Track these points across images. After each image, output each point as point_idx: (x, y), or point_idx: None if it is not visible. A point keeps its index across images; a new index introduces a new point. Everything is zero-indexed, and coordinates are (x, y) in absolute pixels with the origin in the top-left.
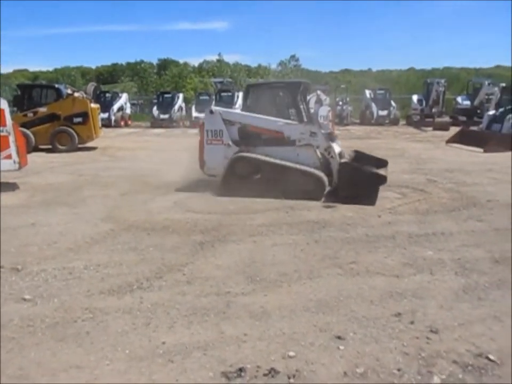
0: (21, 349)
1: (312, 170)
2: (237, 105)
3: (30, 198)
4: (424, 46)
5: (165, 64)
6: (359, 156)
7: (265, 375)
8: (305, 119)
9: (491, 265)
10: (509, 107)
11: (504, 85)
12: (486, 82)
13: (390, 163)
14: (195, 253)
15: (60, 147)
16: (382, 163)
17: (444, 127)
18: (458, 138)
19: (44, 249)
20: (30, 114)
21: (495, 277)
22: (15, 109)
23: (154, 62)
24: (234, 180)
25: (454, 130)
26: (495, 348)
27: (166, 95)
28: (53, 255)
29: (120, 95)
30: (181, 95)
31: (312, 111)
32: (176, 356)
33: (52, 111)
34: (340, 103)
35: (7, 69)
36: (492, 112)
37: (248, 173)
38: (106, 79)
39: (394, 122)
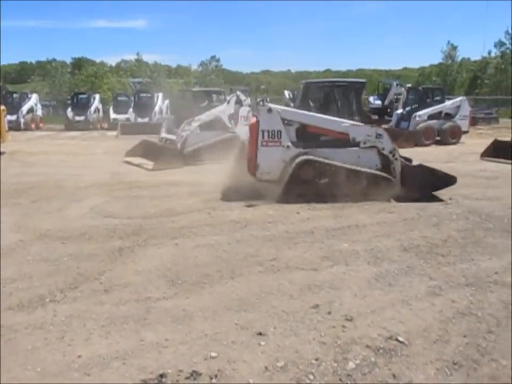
0: None
1: (380, 173)
2: (157, 107)
3: None
4: (340, 48)
5: (79, 63)
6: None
7: (187, 378)
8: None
9: (400, 253)
10: (415, 106)
11: (410, 85)
12: (395, 83)
13: None
14: (113, 259)
15: None
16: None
17: None
18: None
19: None
20: None
21: (404, 264)
22: None
23: (68, 60)
24: (298, 185)
25: None
26: (404, 329)
27: (81, 96)
28: None
29: (29, 95)
30: (97, 96)
31: (232, 112)
32: (93, 369)
33: None
34: (261, 103)
35: None
36: (399, 111)
37: (312, 177)
38: (14, 79)
39: None
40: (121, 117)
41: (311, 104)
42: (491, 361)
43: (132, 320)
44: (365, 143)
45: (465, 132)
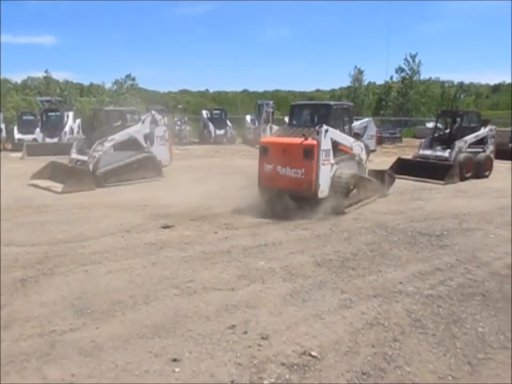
0: None
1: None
2: (67, 126)
3: None
4: (256, 69)
5: None
6: None
7: None
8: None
9: (314, 269)
10: None
11: None
12: None
13: (229, 179)
14: (14, 291)
15: None
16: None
17: None
18: None
19: None
20: None
21: (317, 279)
22: None
23: None
24: (347, 197)
25: None
26: (317, 344)
27: None
28: None
29: None
30: (0, 115)
31: (147, 131)
32: None
33: None
34: (178, 123)
35: None
36: None
37: (353, 188)
38: None
39: (232, 141)
40: (27, 137)
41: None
42: (396, 368)
43: (33, 357)
44: (358, 155)
45: (373, 151)
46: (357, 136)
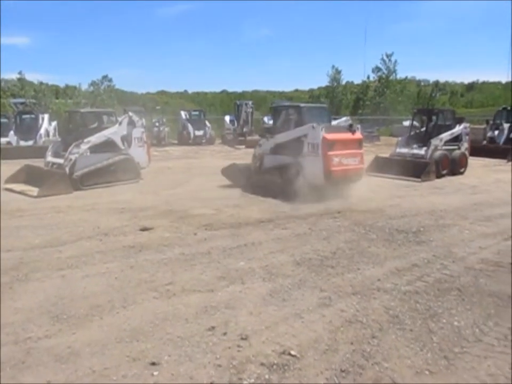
0: None
1: None
2: (42, 129)
3: None
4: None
5: None
6: None
7: None
8: None
9: (293, 268)
10: None
11: None
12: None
13: (208, 180)
14: None
15: None
16: None
17: (255, 145)
18: None
19: None
20: None
21: (297, 278)
22: None
23: None
24: None
25: None
26: (296, 343)
27: None
28: None
29: None
30: None
31: (125, 133)
32: None
33: None
34: (157, 124)
35: None
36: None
37: None
38: None
39: (211, 141)
40: (1, 140)
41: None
42: (374, 365)
43: (7, 365)
44: None
45: None
46: None
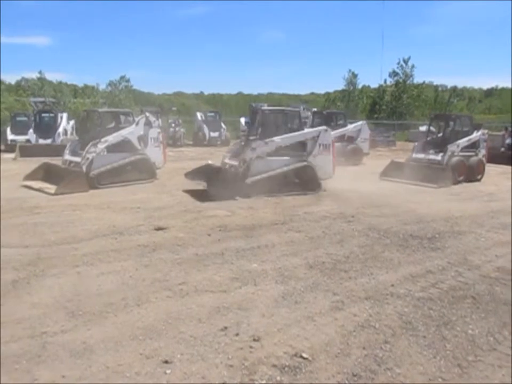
0: None
1: None
2: (61, 128)
3: None
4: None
5: None
6: None
7: None
8: None
9: (306, 271)
10: None
11: (315, 109)
12: (301, 107)
13: None
14: (5, 293)
15: None
16: None
17: None
18: None
19: None
20: None
21: (309, 281)
22: None
23: None
24: None
25: None
26: (308, 346)
27: None
28: None
29: None
30: None
31: (141, 133)
32: None
33: None
34: (173, 125)
35: None
36: None
37: None
38: None
39: (226, 143)
40: (20, 138)
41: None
42: (387, 370)
43: (24, 358)
44: None
45: (366, 154)
46: (351, 139)
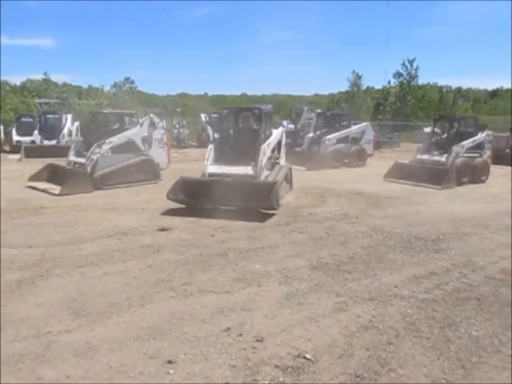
0: None
1: None
2: (66, 129)
3: None
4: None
5: None
6: None
7: None
8: None
9: (309, 272)
10: (324, 130)
11: (319, 110)
12: (306, 108)
13: None
14: (9, 293)
15: None
16: None
17: None
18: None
19: None
20: None
21: (313, 282)
22: None
23: None
24: None
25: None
26: (311, 347)
27: None
28: None
29: None
30: None
31: (145, 134)
32: None
33: None
34: (177, 126)
35: None
36: (311, 134)
37: None
38: None
39: None
40: (25, 139)
41: None
42: (390, 371)
43: (28, 358)
44: None
45: (370, 155)
46: (355, 140)
